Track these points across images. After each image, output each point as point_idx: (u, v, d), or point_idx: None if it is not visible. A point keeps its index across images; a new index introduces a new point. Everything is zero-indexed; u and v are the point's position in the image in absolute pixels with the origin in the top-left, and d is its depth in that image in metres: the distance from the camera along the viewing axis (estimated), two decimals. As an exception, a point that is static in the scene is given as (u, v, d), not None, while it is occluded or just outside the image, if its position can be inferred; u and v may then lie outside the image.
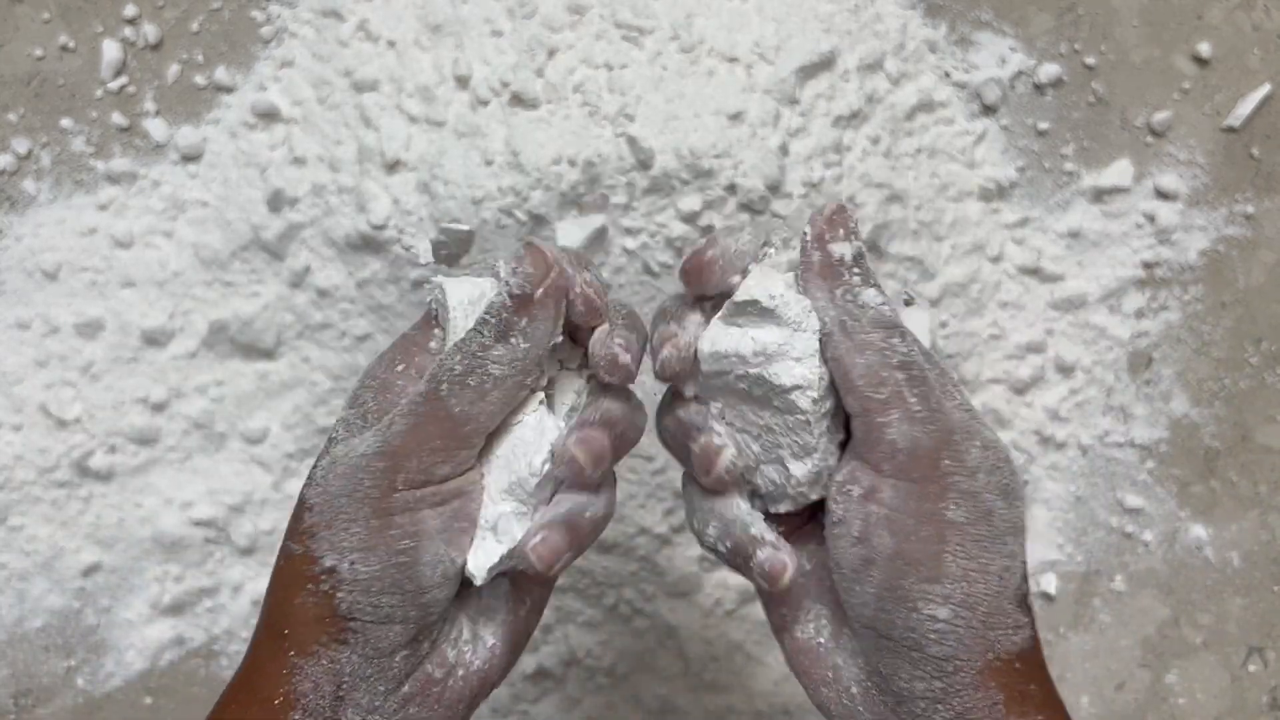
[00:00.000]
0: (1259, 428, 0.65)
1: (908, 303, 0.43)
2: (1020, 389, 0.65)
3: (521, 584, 0.40)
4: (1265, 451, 0.65)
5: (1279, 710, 0.65)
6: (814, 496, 0.38)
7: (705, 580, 0.63)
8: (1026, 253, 0.65)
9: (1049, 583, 0.65)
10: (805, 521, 0.40)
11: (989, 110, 0.65)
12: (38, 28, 0.64)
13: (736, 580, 0.63)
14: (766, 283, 0.37)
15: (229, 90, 0.64)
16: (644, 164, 0.56)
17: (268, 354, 0.63)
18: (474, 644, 0.39)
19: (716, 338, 0.37)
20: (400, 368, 0.39)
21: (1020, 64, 0.65)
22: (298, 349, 0.63)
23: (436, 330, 0.40)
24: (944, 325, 0.63)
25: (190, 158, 0.64)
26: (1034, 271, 0.65)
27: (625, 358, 0.37)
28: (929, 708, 0.35)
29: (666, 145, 0.56)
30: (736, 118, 0.57)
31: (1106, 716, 0.65)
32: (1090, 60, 0.65)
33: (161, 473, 0.64)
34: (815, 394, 0.36)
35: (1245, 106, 0.64)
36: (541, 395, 0.38)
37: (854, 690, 0.38)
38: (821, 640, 0.39)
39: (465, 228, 0.54)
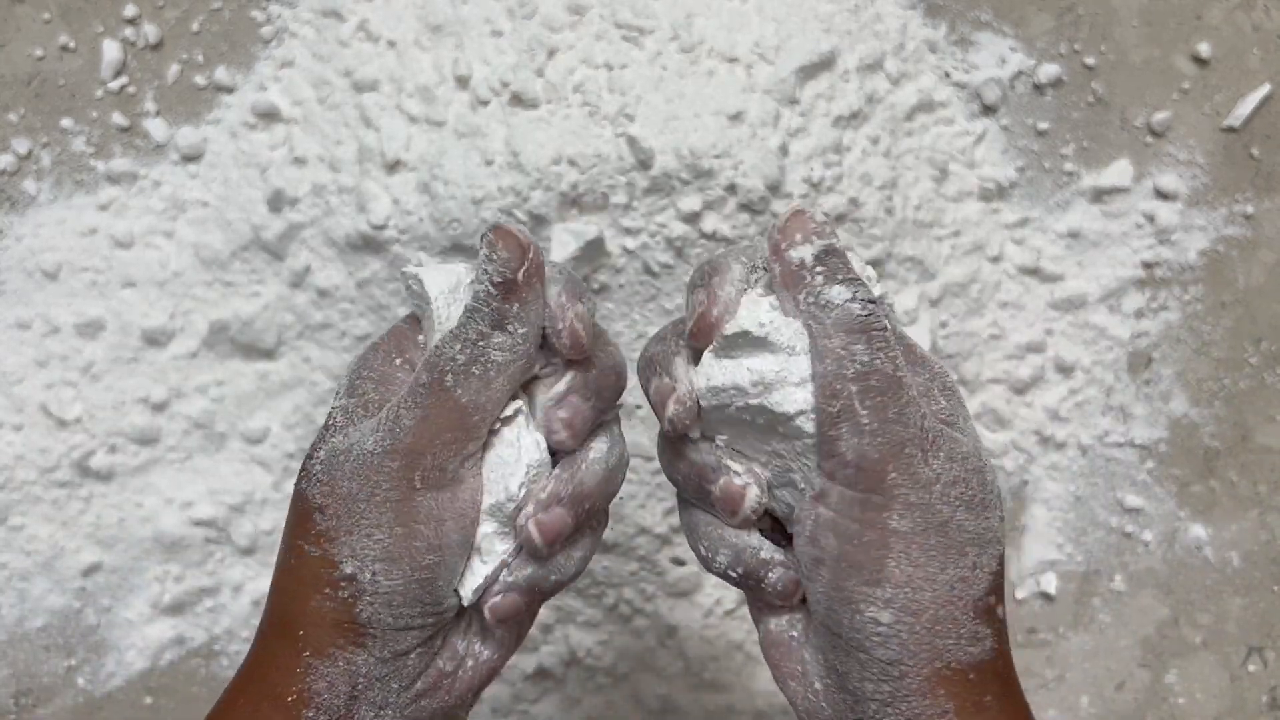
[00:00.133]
0: (1259, 428, 0.65)
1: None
2: (1020, 389, 0.65)
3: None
4: (1265, 451, 0.65)
5: (1278, 710, 0.65)
6: None
7: (705, 580, 0.63)
8: (1026, 253, 0.65)
9: (1049, 583, 0.65)
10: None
11: (989, 110, 0.65)
12: (38, 28, 0.64)
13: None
14: (755, 311, 0.36)
15: (229, 90, 0.64)
16: (644, 164, 0.56)
17: (268, 354, 0.63)
18: (482, 635, 0.39)
19: (712, 373, 0.37)
20: (397, 360, 0.39)
21: (1020, 64, 0.65)
22: (298, 349, 0.63)
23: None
24: (944, 325, 0.63)
25: (190, 158, 0.64)
26: (1034, 271, 0.65)
27: (581, 334, 0.37)
28: (880, 709, 0.35)
29: (666, 145, 0.56)
30: (736, 118, 0.57)
31: (1106, 716, 0.65)
32: (1090, 60, 0.65)
33: (162, 473, 0.64)
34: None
35: (1245, 106, 0.64)
36: (521, 404, 0.38)
37: (818, 686, 0.38)
38: (794, 634, 0.39)
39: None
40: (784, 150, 0.57)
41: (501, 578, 0.38)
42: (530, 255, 0.36)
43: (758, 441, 0.37)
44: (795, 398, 0.36)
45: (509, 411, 0.37)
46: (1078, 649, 0.65)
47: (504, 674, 0.63)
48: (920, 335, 0.61)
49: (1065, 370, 0.65)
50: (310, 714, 0.35)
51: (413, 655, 0.37)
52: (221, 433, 0.64)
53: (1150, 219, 0.65)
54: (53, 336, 0.63)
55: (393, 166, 0.58)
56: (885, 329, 0.35)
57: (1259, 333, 0.65)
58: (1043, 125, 0.65)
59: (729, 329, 0.36)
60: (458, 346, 0.36)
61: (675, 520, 0.62)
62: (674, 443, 0.39)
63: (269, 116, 0.63)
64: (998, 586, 0.37)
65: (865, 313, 0.35)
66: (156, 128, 0.64)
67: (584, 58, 0.58)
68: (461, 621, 0.38)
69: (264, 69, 0.64)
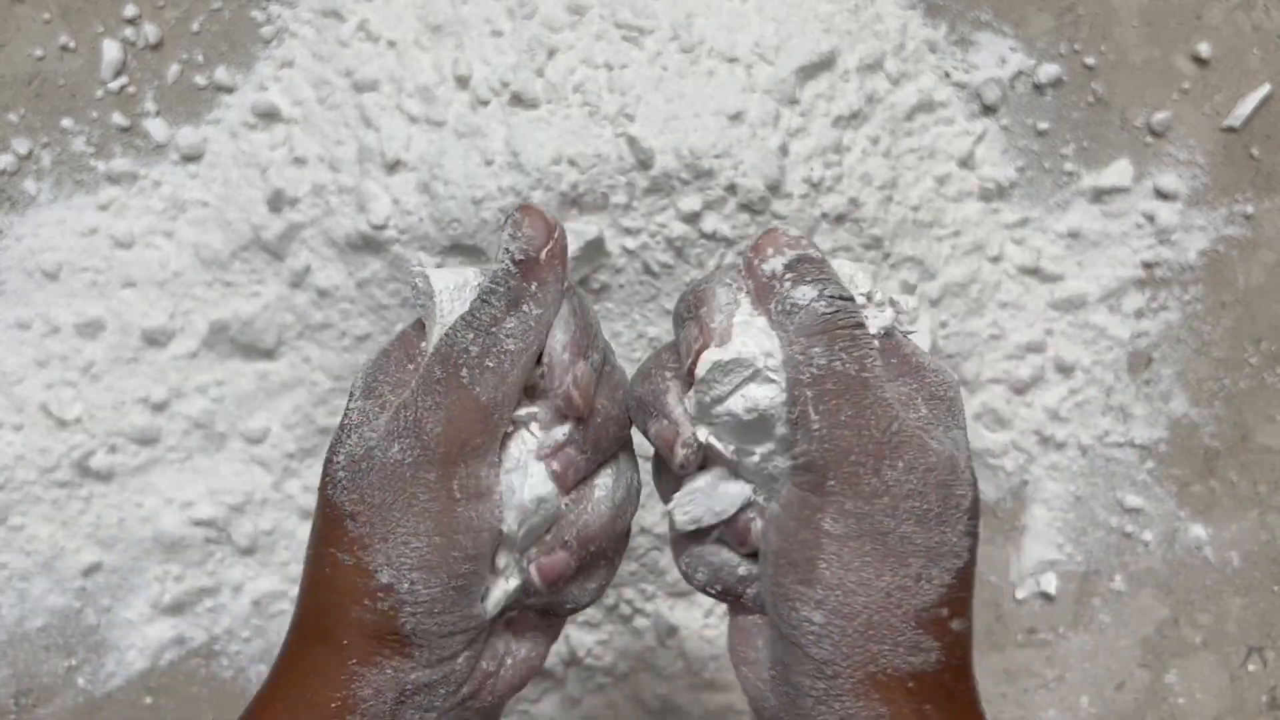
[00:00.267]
0: (1259, 428, 0.65)
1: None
2: (1020, 389, 0.65)
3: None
4: (1265, 451, 0.65)
5: (1278, 710, 0.65)
6: None
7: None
8: (1026, 253, 0.65)
9: (1049, 583, 0.65)
10: None
11: (989, 110, 0.65)
12: (38, 28, 0.64)
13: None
14: (744, 337, 0.36)
15: (229, 90, 0.64)
16: (644, 164, 0.56)
17: (268, 354, 0.63)
18: (523, 632, 0.39)
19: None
20: (410, 366, 0.38)
21: (1020, 64, 0.65)
22: (298, 349, 0.63)
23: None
24: (944, 325, 0.63)
25: (191, 158, 0.64)
26: (1034, 271, 0.65)
27: (577, 400, 0.37)
28: (815, 706, 0.35)
29: (666, 145, 0.56)
30: (736, 118, 0.57)
31: (1106, 716, 0.65)
32: (1090, 60, 0.65)
33: (162, 473, 0.64)
34: None
35: (1245, 106, 0.64)
36: (526, 411, 0.37)
37: (766, 675, 0.38)
38: (756, 621, 0.39)
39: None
40: (784, 150, 0.57)
41: (511, 637, 0.39)
42: (556, 235, 0.36)
43: (755, 446, 0.37)
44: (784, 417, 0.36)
45: (520, 412, 0.37)
46: (1078, 649, 0.65)
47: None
48: (920, 335, 0.61)
49: (1065, 370, 0.65)
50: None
51: (460, 660, 0.36)
52: (221, 433, 0.64)
53: (1150, 219, 0.65)
54: (53, 336, 0.63)
55: (393, 166, 0.58)
56: (852, 327, 0.35)
57: (1259, 333, 0.65)
58: (1043, 125, 0.65)
59: (716, 356, 0.35)
60: (470, 336, 0.35)
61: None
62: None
63: (269, 116, 0.63)
64: (954, 600, 0.35)
65: (831, 310, 0.35)
66: (156, 128, 0.64)
67: (584, 58, 0.58)
68: (499, 622, 0.38)
69: (264, 69, 0.64)
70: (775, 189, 0.57)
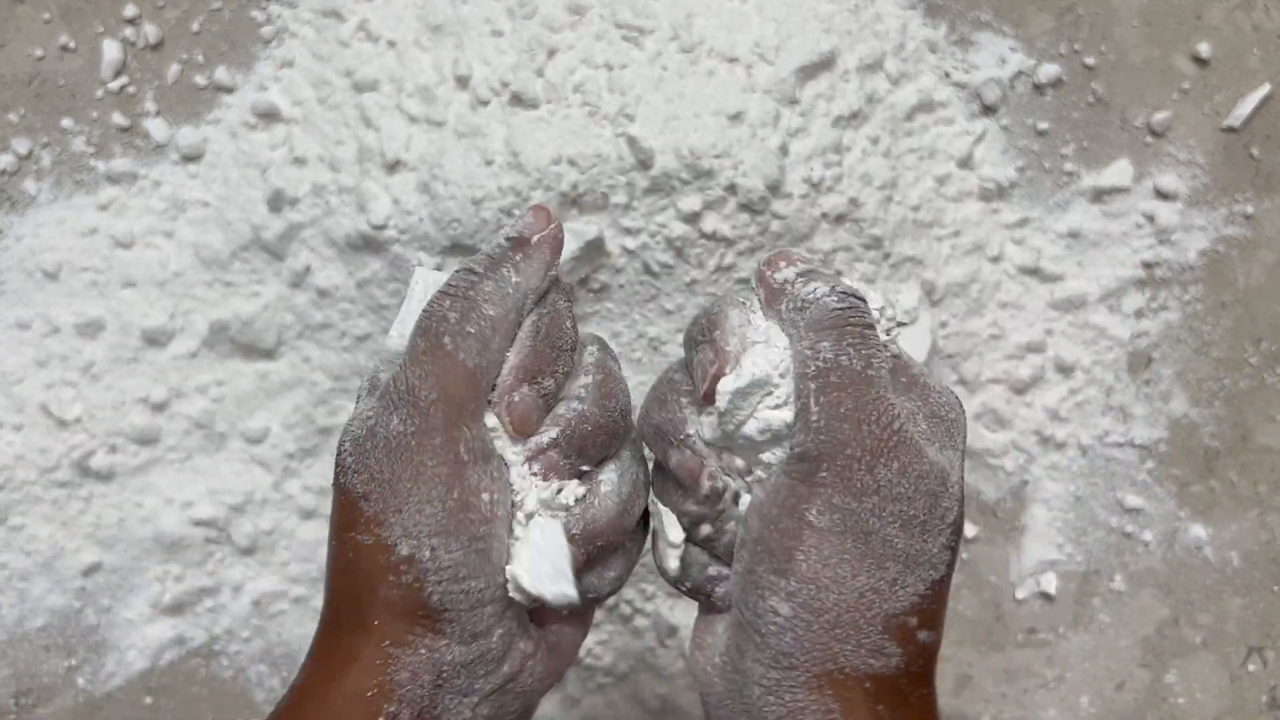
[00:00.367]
0: (1259, 428, 0.65)
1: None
2: (1020, 389, 0.65)
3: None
4: (1265, 451, 0.65)
5: (1278, 710, 0.65)
6: None
7: (705, 580, 0.63)
8: (1026, 253, 0.65)
9: (1049, 583, 0.65)
10: None
11: (989, 110, 0.65)
12: (38, 28, 0.64)
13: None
14: (753, 357, 0.36)
15: (229, 90, 0.64)
16: (644, 164, 0.56)
17: (268, 354, 0.63)
18: (558, 619, 0.39)
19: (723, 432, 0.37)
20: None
21: (1020, 64, 0.65)
22: (298, 349, 0.63)
23: None
24: (944, 325, 0.63)
25: (191, 158, 0.64)
26: (1034, 271, 0.65)
27: (512, 422, 0.37)
28: (762, 696, 0.35)
29: (666, 145, 0.56)
30: (736, 118, 0.57)
31: (1106, 716, 0.65)
32: (1090, 60, 0.65)
33: (162, 473, 0.64)
34: None
35: (1245, 106, 0.64)
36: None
37: (717, 660, 0.38)
38: (713, 609, 0.39)
39: None
40: (784, 150, 0.57)
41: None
42: (553, 226, 0.37)
43: (758, 456, 0.38)
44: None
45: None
46: (1078, 649, 0.65)
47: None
48: (920, 335, 0.61)
49: (1065, 370, 0.65)
50: (392, 708, 0.35)
51: (494, 637, 0.36)
52: (221, 433, 0.64)
53: (1150, 219, 0.65)
54: (53, 336, 0.63)
55: (393, 166, 0.58)
56: (862, 326, 0.35)
57: (1259, 333, 0.65)
58: (1043, 125, 0.65)
59: (734, 384, 0.36)
60: (448, 303, 0.36)
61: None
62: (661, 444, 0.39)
63: (269, 116, 0.63)
64: (925, 611, 0.35)
65: (843, 305, 0.35)
66: (156, 128, 0.64)
67: (584, 58, 0.58)
68: (534, 611, 0.38)
69: (264, 69, 0.64)
70: (775, 189, 0.57)
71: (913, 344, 0.61)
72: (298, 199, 0.60)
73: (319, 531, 0.64)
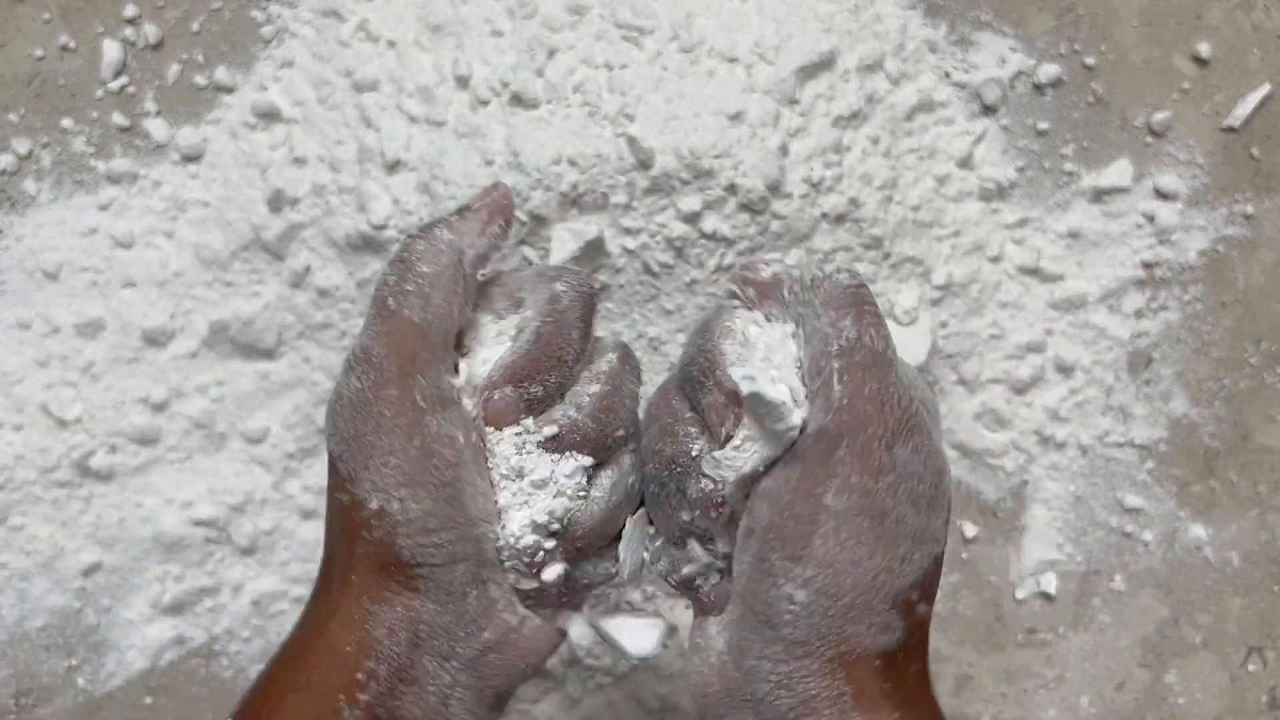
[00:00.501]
0: (1259, 428, 0.65)
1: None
2: (1020, 389, 0.65)
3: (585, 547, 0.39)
4: (1265, 451, 0.65)
5: (1278, 710, 0.65)
6: None
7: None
8: (1026, 253, 0.65)
9: (1049, 583, 0.65)
10: None
11: (989, 110, 0.65)
12: (38, 28, 0.64)
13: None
14: (752, 372, 0.36)
15: (229, 90, 0.64)
16: (644, 164, 0.56)
17: (268, 354, 0.63)
18: (539, 609, 0.39)
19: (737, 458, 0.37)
20: None
21: (1020, 64, 0.65)
22: (298, 349, 0.63)
23: None
24: (944, 325, 0.63)
25: (191, 158, 0.64)
26: (1034, 271, 0.65)
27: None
28: (772, 690, 0.35)
29: (666, 145, 0.56)
30: (736, 118, 0.57)
31: (1106, 716, 0.65)
32: (1090, 60, 0.65)
33: (162, 473, 0.64)
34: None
35: (1245, 106, 0.64)
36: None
37: (713, 660, 0.37)
38: (706, 609, 0.39)
39: None
40: (784, 150, 0.57)
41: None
42: (495, 194, 0.38)
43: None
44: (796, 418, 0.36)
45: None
46: (1078, 649, 0.65)
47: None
48: (920, 335, 0.61)
49: (1065, 370, 0.65)
50: (370, 664, 0.35)
51: (470, 599, 0.36)
52: (221, 433, 0.64)
53: (1150, 219, 0.65)
54: (53, 336, 0.63)
55: (393, 166, 0.58)
56: (875, 306, 0.36)
57: (1259, 333, 0.65)
58: (1043, 125, 0.65)
59: (758, 445, 0.36)
60: (389, 269, 0.37)
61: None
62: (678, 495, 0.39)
63: (269, 116, 0.63)
64: (925, 584, 0.36)
65: (855, 283, 0.36)
66: (157, 128, 0.64)
67: (584, 58, 0.58)
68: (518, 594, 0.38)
69: (264, 69, 0.64)
70: (775, 189, 0.57)
71: (913, 344, 0.61)
72: (298, 199, 0.60)
73: (319, 531, 0.64)
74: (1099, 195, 0.65)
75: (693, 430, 0.38)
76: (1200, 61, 0.65)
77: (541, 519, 0.37)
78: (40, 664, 0.63)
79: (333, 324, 0.62)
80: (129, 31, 0.64)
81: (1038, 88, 0.65)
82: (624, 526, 0.40)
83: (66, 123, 0.64)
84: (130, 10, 0.64)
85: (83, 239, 0.63)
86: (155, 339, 0.63)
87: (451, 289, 0.37)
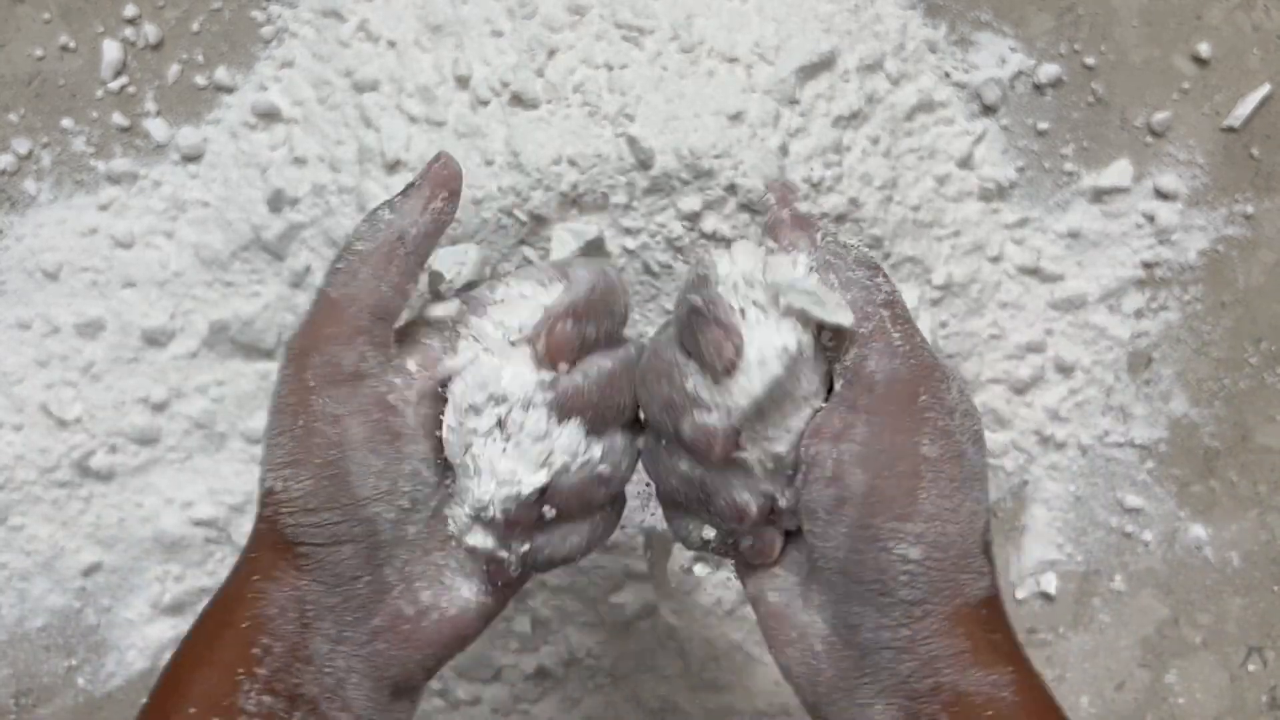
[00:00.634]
0: (1259, 428, 0.65)
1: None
2: (1020, 389, 0.65)
3: (513, 537, 0.39)
4: (1265, 451, 0.65)
5: (1278, 710, 0.65)
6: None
7: (705, 580, 0.63)
8: (1026, 253, 0.65)
9: (1049, 583, 0.65)
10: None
11: (989, 110, 0.65)
12: (38, 28, 0.64)
13: (736, 580, 0.63)
14: (770, 337, 0.36)
15: (229, 90, 0.64)
16: (644, 164, 0.56)
17: (268, 354, 0.63)
18: (450, 593, 0.38)
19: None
20: None
21: (1020, 64, 0.65)
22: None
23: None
24: (944, 325, 0.63)
25: (191, 158, 0.64)
26: (1034, 271, 0.65)
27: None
28: (895, 657, 0.35)
29: (666, 145, 0.56)
30: (736, 118, 0.57)
31: (1106, 716, 0.65)
32: (1090, 60, 0.65)
33: (162, 473, 0.64)
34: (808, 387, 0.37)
35: (1245, 106, 0.64)
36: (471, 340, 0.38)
37: (818, 647, 0.37)
38: (792, 602, 0.38)
39: None
40: (784, 150, 0.57)
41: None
42: (435, 167, 0.38)
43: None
44: (806, 384, 0.36)
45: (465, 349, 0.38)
46: (1078, 649, 0.65)
47: (504, 674, 0.63)
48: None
49: (1065, 370, 0.65)
50: (265, 640, 0.35)
51: (360, 583, 0.36)
52: (222, 433, 0.64)
53: (1150, 219, 0.65)
54: (53, 336, 0.63)
55: (393, 166, 0.58)
56: (889, 274, 0.37)
57: (1259, 333, 0.65)
58: (1043, 125, 0.65)
59: (757, 386, 0.36)
60: (340, 255, 0.37)
61: (675, 520, 0.62)
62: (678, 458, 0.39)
63: (269, 116, 0.63)
64: (989, 524, 0.37)
65: (873, 256, 0.37)
66: (157, 128, 0.64)
67: (584, 58, 0.58)
68: (429, 571, 0.38)
69: (264, 69, 0.64)
70: (775, 189, 0.57)
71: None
72: (298, 199, 0.60)
73: (319, 531, 0.64)
74: (1099, 195, 0.65)
75: (689, 369, 0.38)
76: (1200, 61, 0.65)
77: (532, 472, 0.37)
78: (40, 664, 0.63)
79: (333, 324, 0.62)
80: (129, 31, 0.64)
81: (1038, 88, 0.65)
82: (602, 504, 0.40)
83: (66, 123, 0.64)
84: (130, 10, 0.64)
85: (83, 239, 0.63)
86: (155, 339, 0.63)
87: (383, 266, 0.37)
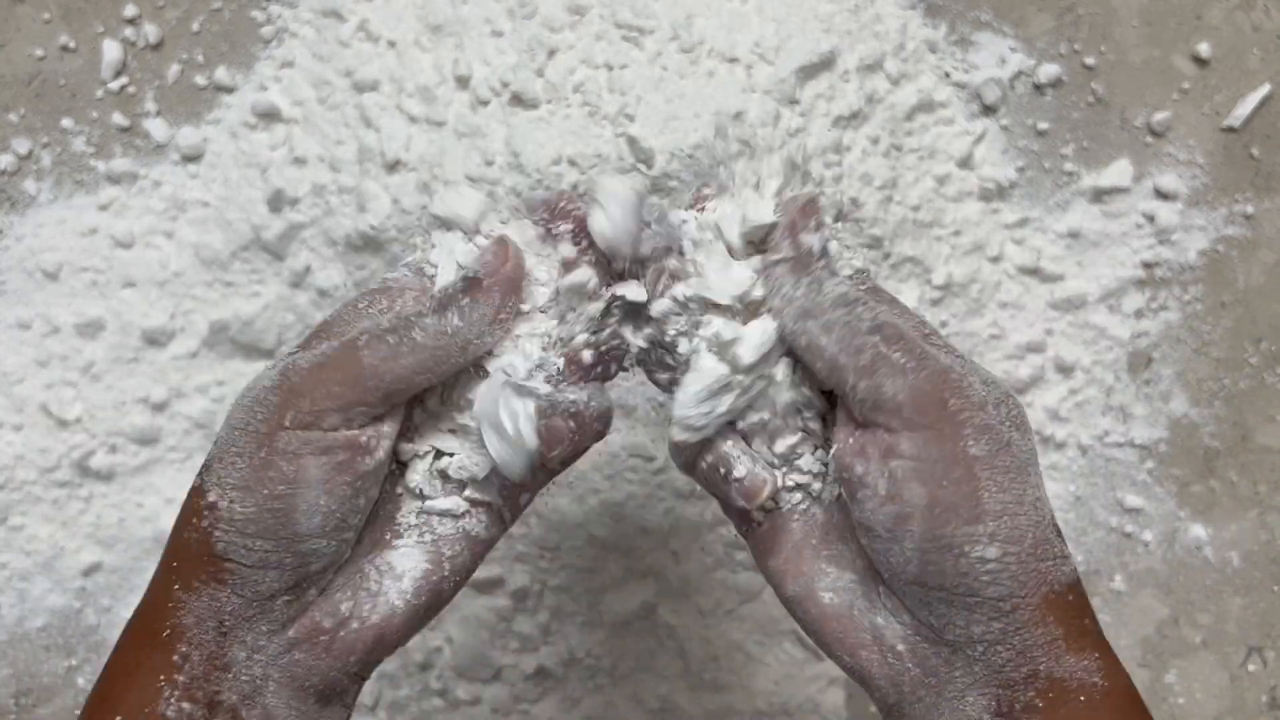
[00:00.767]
0: (1259, 428, 0.65)
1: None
2: (1020, 389, 0.65)
3: (444, 546, 0.39)
4: (1265, 451, 0.65)
5: (1278, 710, 0.65)
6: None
7: (705, 580, 0.63)
8: (1026, 253, 0.65)
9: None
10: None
11: (989, 110, 0.65)
12: (38, 28, 0.64)
13: (736, 580, 0.63)
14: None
15: (229, 90, 0.64)
16: (644, 164, 0.56)
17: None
18: (374, 599, 0.38)
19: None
20: (363, 305, 0.39)
21: (1020, 64, 0.65)
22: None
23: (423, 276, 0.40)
24: (944, 325, 0.63)
25: (191, 158, 0.64)
26: (1034, 271, 0.65)
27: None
28: (988, 650, 0.35)
29: (666, 145, 0.56)
30: (736, 118, 0.57)
31: (1106, 716, 0.65)
32: (1090, 60, 0.65)
33: (162, 473, 0.64)
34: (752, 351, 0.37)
35: (1245, 106, 0.64)
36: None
37: (900, 648, 0.37)
38: (855, 604, 0.38)
39: None
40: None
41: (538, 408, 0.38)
42: (507, 269, 0.37)
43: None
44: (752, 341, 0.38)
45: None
46: (1078, 649, 0.65)
47: (504, 674, 0.63)
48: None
49: (1065, 370, 0.65)
50: (184, 649, 0.36)
51: (279, 601, 0.36)
52: (221, 433, 0.64)
53: (1150, 219, 0.65)
54: (53, 336, 0.63)
55: (393, 166, 0.58)
56: (869, 299, 0.37)
57: (1259, 333, 0.65)
58: (1043, 125, 0.65)
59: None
60: (389, 315, 0.37)
61: (675, 520, 0.62)
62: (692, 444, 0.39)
63: (269, 116, 0.63)
64: (1051, 507, 0.37)
65: (854, 291, 0.37)
66: (157, 128, 0.64)
67: (584, 58, 0.58)
68: (350, 581, 0.38)
69: (264, 69, 0.64)
70: (775, 189, 0.57)
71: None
72: (298, 199, 0.60)
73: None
74: (1099, 195, 0.65)
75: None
76: (1200, 61, 0.65)
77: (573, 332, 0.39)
78: (40, 664, 0.63)
79: (333, 324, 0.62)
80: (129, 31, 0.64)
81: (1038, 88, 0.65)
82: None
83: (66, 123, 0.64)
84: (130, 10, 0.64)
85: (83, 239, 0.63)
86: (155, 339, 0.63)
87: (431, 365, 0.36)
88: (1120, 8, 0.65)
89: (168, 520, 0.63)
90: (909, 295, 0.62)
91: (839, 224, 0.59)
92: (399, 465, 0.39)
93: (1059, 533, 0.36)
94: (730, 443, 0.38)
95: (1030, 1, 0.65)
